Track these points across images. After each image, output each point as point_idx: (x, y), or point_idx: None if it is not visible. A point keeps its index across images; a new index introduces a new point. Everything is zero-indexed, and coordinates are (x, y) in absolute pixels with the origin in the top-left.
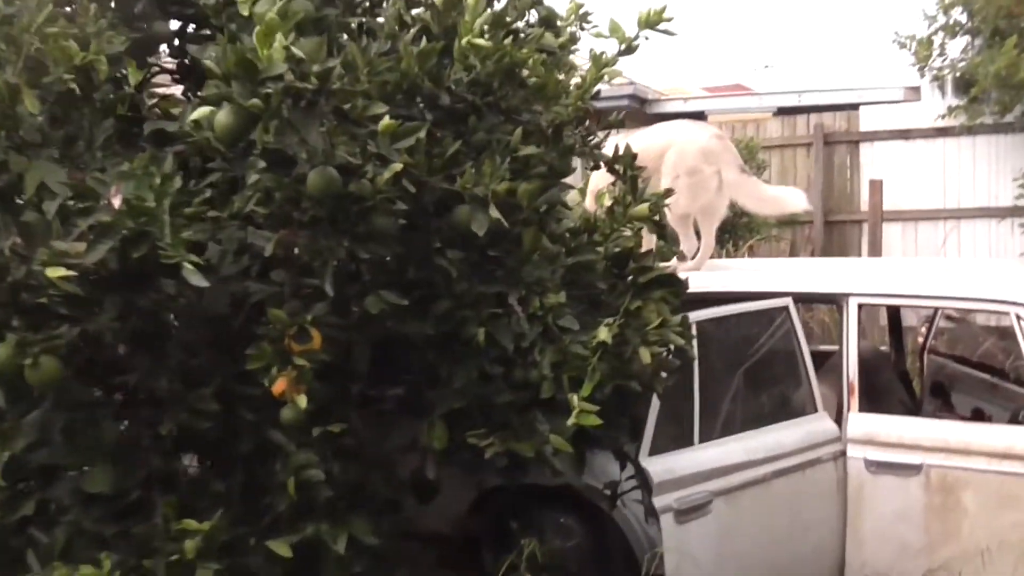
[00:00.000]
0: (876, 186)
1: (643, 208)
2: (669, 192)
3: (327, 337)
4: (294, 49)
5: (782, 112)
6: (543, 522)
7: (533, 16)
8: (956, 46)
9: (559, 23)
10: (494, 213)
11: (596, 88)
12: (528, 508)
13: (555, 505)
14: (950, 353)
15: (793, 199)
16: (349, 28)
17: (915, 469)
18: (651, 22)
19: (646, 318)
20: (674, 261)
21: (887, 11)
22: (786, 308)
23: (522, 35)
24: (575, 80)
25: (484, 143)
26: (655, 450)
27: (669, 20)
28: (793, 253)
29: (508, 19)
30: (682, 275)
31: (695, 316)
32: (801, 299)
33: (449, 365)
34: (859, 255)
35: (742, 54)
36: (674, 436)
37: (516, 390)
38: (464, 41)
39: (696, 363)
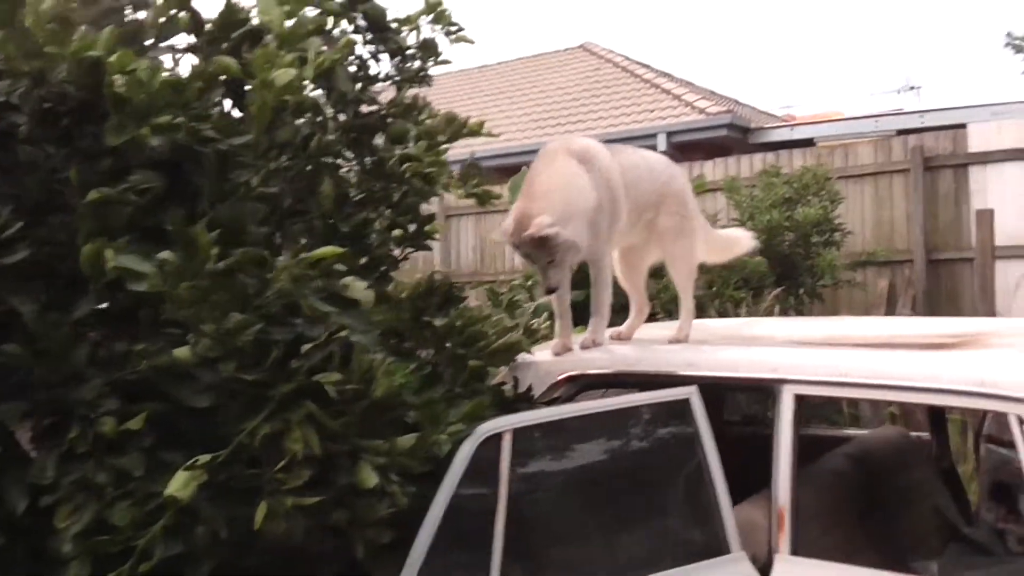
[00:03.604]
0: (984, 217)
1: None
2: None
3: None
4: None
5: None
6: None
7: None
8: None
9: None
10: None
11: None
12: None
13: None
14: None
15: (743, 240)
16: None
17: None
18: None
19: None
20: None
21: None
22: (686, 402)
23: None
24: None
25: None
26: None
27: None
28: (892, 298)
29: None
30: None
31: (507, 423)
32: (716, 386)
33: None
34: (971, 298)
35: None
36: None
37: None
38: None
39: (503, 500)
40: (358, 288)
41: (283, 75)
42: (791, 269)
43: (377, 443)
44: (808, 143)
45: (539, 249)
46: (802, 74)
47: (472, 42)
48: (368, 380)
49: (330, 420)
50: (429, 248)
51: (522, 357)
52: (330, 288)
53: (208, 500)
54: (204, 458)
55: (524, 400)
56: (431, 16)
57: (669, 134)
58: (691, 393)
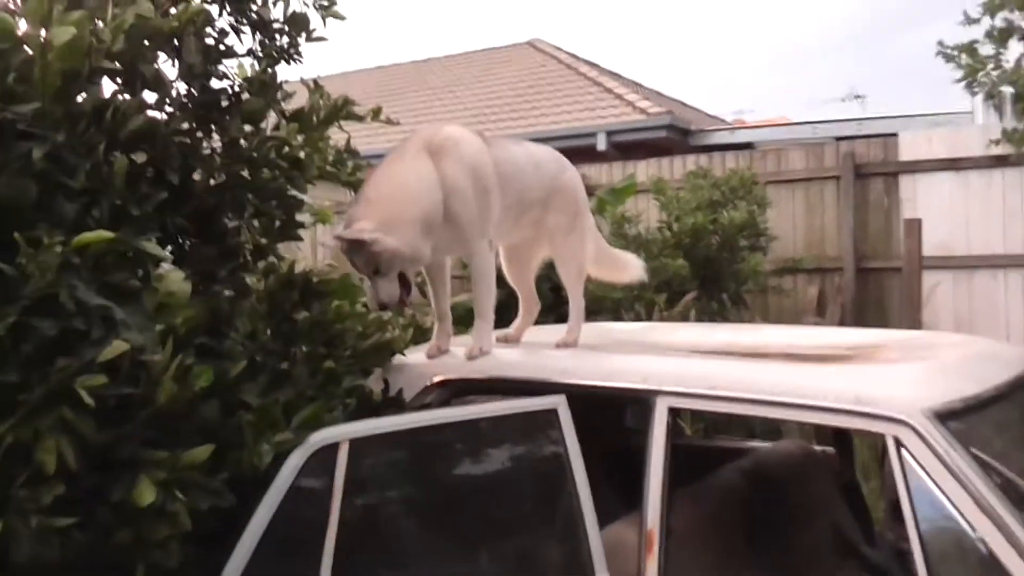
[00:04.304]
0: (912, 226)
1: None
2: None
3: None
4: None
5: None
6: None
7: None
8: (1014, 54)
9: None
10: None
11: None
12: None
13: None
14: None
15: (632, 268)
16: None
17: None
18: None
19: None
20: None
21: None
22: (553, 412)
23: None
24: None
25: None
26: None
27: None
28: (822, 305)
29: None
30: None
31: (342, 432)
32: (593, 396)
33: None
34: (899, 307)
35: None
36: None
37: None
38: None
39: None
40: (174, 279)
41: (61, 33)
42: (715, 274)
43: (159, 455)
44: (748, 147)
45: (360, 256)
46: (759, 82)
47: (343, 18)
48: (152, 384)
49: (89, 428)
50: (299, 239)
51: (396, 359)
52: (104, 279)
53: None
54: None
55: (393, 405)
56: None
57: (609, 133)
58: (558, 403)
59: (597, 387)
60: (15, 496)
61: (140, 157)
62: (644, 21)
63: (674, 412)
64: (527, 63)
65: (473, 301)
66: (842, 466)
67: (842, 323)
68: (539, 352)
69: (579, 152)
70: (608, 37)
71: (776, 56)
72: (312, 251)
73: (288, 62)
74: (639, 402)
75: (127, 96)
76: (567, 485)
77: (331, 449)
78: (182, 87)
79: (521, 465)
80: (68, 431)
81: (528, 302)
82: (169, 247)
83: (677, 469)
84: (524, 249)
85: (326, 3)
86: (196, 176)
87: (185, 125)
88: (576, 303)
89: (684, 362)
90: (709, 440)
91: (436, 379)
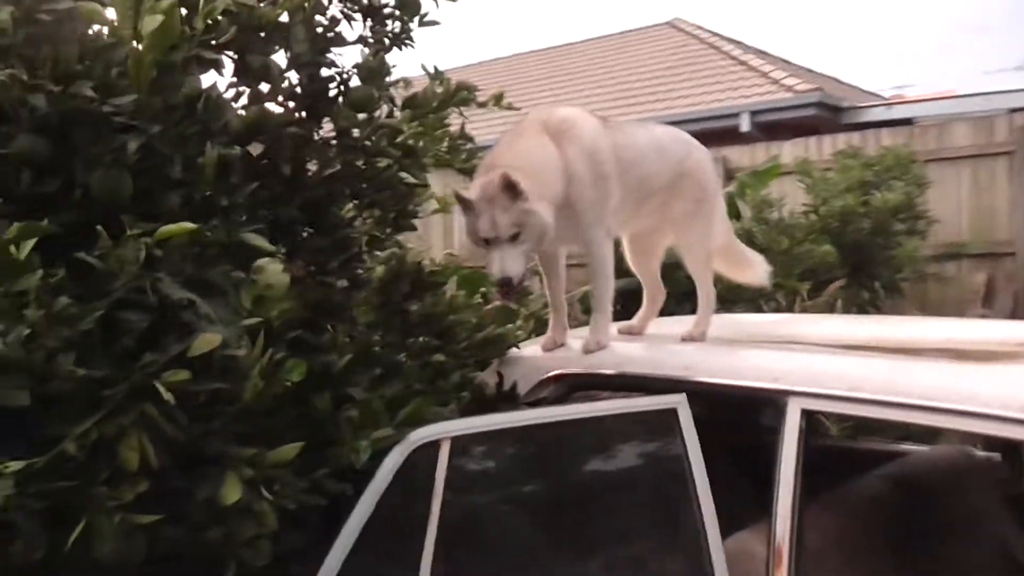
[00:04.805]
0: None
1: None
2: None
3: None
4: None
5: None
6: None
7: None
8: None
9: None
10: None
11: None
12: None
13: None
14: None
15: (757, 269)
16: None
17: None
18: None
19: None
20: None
21: None
22: (672, 412)
23: None
24: None
25: None
26: None
27: None
28: (990, 295)
29: None
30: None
31: (444, 429)
32: (717, 396)
33: None
34: None
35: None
36: None
37: None
38: None
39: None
40: (272, 271)
41: (149, 22)
42: (866, 260)
43: (245, 452)
44: (907, 123)
45: (505, 212)
46: (924, 58)
47: (455, 0)
48: (240, 379)
49: (170, 425)
50: (413, 228)
51: (511, 352)
52: (191, 271)
53: (30, 514)
54: (14, 465)
55: (507, 400)
56: None
57: (753, 113)
58: (678, 403)
59: (722, 385)
60: (97, 494)
61: (255, 149)
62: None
63: (808, 415)
64: (667, 44)
65: (590, 293)
66: (1010, 474)
67: (1014, 315)
68: (661, 346)
69: (721, 134)
70: (760, 16)
71: (942, 31)
72: (445, 237)
73: (400, 47)
74: (769, 403)
75: (241, 87)
76: (687, 491)
77: (432, 447)
78: (293, 77)
79: (635, 468)
80: (151, 428)
81: (652, 292)
82: (280, 239)
83: (813, 476)
84: (648, 236)
85: None
86: (308, 166)
87: (296, 115)
88: (705, 293)
89: (821, 359)
90: (854, 442)
91: (551, 373)
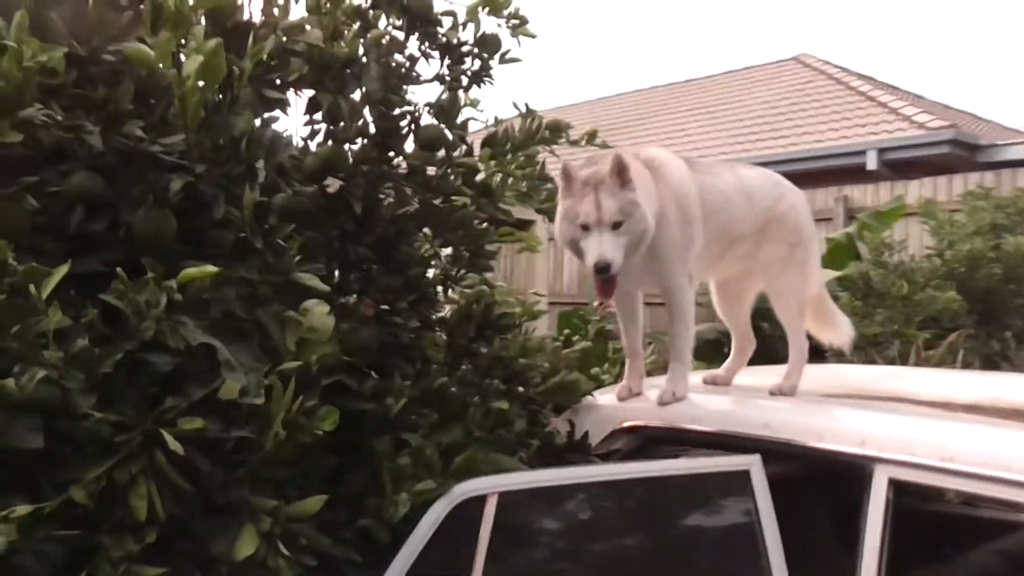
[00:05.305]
0: None
1: None
2: None
3: None
4: None
5: None
6: None
7: None
8: None
9: None
10: None
11: None
12: None
13: None
14: None
15: (842, 329)
16: None
17: None
18: None
19: None
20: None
21: None
22: (745, 474)
23: None
24: None
25: None
26: None
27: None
28: None
29: None
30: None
31: (491, 484)
32: (789, 457)
33: None
34: None
35: None
36: None
37: None
38: None
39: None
40: (318, 313)
41: (190, 63)
42: (996, 308)
43: (266, 503)
44: None
45: (613, 197)
46: None
47: (534, 36)
48: (266, 427)
49: (178, 475)
50: (490, 269)
51: (585, 400)
52: (216, 315)
53: (39, 557)
54: (21, 510)
55: (577, 450)
56: (486, 8)
57: (880, 150)
58: (752, 464)
59: (802, 447)
60: (102, 543)
61: (333, 186)
62: (941, 33)
63: (897, 485)
64: (791, 79)
65: (669, 341)
66: None
67: None
68: (743, 400)
69: (846, 172)
70: (897, 51)
71: None
72: (553, 271)
73: (479, 85)
74: (854, 469)
75: (312, 125)
76: (757, 560)
77: (477, 502)
78: (367, 114)
79: (701, 533)
80: (159, 476)
81: (741, 340)
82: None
83: (901, 550)
84: (737, 282)
85: (515, 22)
86: (380, 204)
87: (370, 153)
88: (797, 344)
89: (919, 422)
90: (959, 507)
91: (625, 424)
